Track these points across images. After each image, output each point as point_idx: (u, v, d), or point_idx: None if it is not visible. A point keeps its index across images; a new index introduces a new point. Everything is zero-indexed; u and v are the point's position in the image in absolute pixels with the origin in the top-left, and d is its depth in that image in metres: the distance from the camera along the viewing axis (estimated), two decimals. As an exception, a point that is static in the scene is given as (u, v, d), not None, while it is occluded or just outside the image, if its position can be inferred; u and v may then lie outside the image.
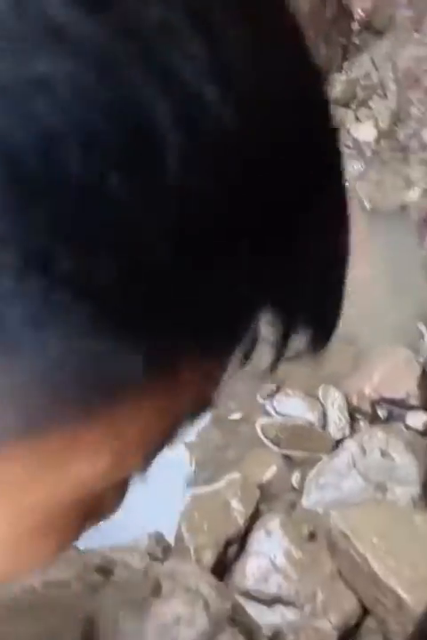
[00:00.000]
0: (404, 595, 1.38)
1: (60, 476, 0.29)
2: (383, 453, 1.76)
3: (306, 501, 1.73)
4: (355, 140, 2.59)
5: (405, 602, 1.38)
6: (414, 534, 1.52)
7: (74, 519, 0.32)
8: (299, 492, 1.76)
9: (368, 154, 2.56)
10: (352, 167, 2.50)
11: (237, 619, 1.12)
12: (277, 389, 1.92)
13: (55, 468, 0.29)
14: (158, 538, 1.54)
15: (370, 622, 1.50)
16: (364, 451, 1.77)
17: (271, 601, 1.48)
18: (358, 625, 1.50)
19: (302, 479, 1.76)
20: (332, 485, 1.73)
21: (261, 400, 1.91)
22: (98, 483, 0.31)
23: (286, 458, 1.81)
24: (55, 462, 0.29)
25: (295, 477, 1.77)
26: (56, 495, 0.30)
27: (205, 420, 1.91)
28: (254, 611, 1.42)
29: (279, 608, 1.47)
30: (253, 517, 1.64)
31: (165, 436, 0.31)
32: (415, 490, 1.71)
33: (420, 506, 1.68)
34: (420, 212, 1.99)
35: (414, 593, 1.38)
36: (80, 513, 0.33)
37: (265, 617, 1.43)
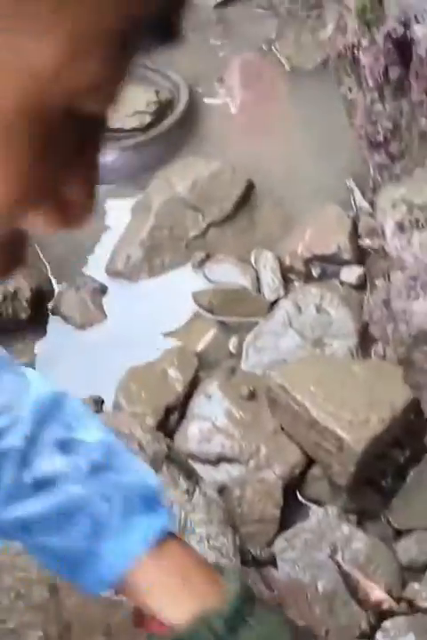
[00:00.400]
0: (344, 435, 1.38)
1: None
2: (319, 309, 1.75)
3: (245, 365, 1.71)
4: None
5: (345, 442, 1.38)
6: (353, 381, 1.52)
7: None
8: (237, 357, 1.74)
9: (283, 13, 2.49)
10: (268, 27, 2.42)
11: (174, 457, 1.11)
12: (208, 257, 1.88)
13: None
14: (96, 399, 1.52)
15: (315, 470, 1.51)
16: (299, 309, 1.75)
17: (216, 460, 1.47)
18: (303, 474, 1.50)
19: (240, 344, 1.74)
20: (269, 347, 1.71)
21: (192, 268, 1.87)
22: (47, 78, 0.28)
23: (222, 324, 1.79)
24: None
25: (233, 343, 1.75)
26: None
27: (135, 293, 1.86)
28: (199, 471, 1.41)
29: (224, 466, 1.46)
30: (193, 385, 1.62)
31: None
32: (352, 342, 1.70)
33: (358, 357, 1.68)
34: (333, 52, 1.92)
35: (354, 433, 1.39)
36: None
37: (211, 475, 1.43)
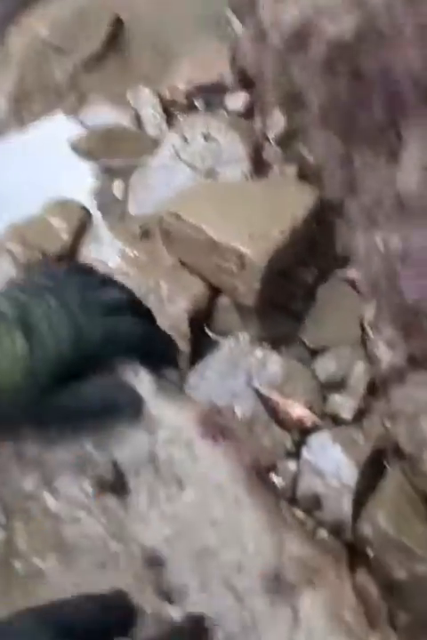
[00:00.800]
0: (245, 250, 1.28)
1: None
2: (207, 138, 1.62)
3: (133, 207, 1.58)
4: None
5: (247, 257, 1.28)
6: (249, 199, 1.42)
7: None
8: (124, 201, 1.60)
9: None
10: None
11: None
12: (81, 101, 1.72)
13: None
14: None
15: (222, 301, 1.41)
16: (185, 140, 1.62)
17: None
18: (209, 307, 1.41)
19: (126, 186, 1.61)
20: (159, 184, 1.58)
21: (64, 115, 1.70)
22: None
23: (106, 169, 1.64)
24: None
25: (117, 186, 1.61)
26: None
27: (6, 150, 1.69)
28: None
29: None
30: (79, 233, 1.49)
31: None
32: (246, 165, 1.59)
33: (252, 179, 1.58)
34: None
35: (255, 247, 1.29)
36: None
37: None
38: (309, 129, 1.51)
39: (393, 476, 1.24)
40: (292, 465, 1.26)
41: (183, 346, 1.33)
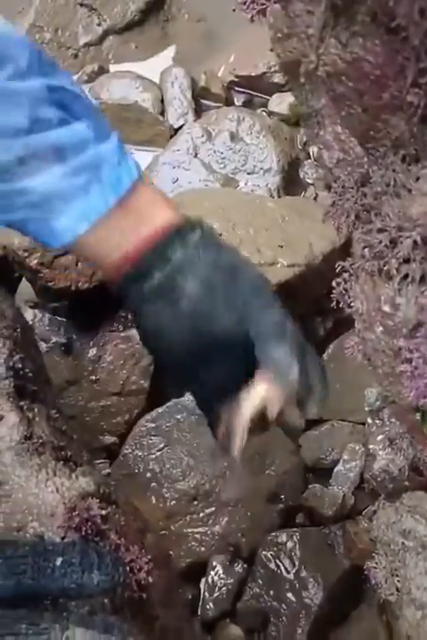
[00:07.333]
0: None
1: None
2: (234, 137, 1.34)
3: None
4: None
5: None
6: (265, 219, 1.13)
7: None
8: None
9: None
10: None
11: None
12: (101, 70, 1.47)
13: None
14: None
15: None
16: (210, 135, 1.35)
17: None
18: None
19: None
20: (166, 181, 1.32)
21: (79, 83, 1.45)
22: None
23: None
24: None
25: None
26: None
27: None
28: None
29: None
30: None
31: None
32: (275, 179, 1.31)
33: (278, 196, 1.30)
34: None
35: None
36: None
37: None
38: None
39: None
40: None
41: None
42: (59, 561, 0.58)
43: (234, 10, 0.70)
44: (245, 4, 0.68)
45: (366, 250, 0.64)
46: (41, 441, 0.68)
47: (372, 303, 0.64)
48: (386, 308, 0.62)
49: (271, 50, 0.84)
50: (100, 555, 0.59)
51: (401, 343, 0.60)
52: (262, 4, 0.65)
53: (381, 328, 0.64)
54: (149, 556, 0.63)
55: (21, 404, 0.70)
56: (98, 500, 0.64)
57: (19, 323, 0.78)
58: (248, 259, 0.77)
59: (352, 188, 0.68)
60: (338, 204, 0.68)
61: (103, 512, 0.63)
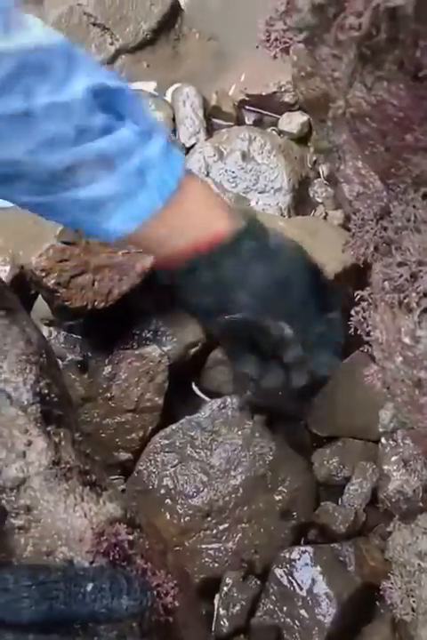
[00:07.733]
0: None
1: None
2: (245, 157, 1.36)
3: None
4: None
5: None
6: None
7: None
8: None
9: None
10: None
11: None
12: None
13: None
14: None
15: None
16: (221, 155, 1.37)
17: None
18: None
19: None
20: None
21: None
22: None
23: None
24: None
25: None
26: None
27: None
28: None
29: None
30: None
31: None
32: (285, 198, 1.33)
33: (288, 215, 1.32)
34: None
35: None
36: None
37: None
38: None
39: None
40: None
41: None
42: (90, 586, 0.60)
43: (258, 46, 0.72)
44: (268, 41, 0.70)
45: (386, 282, 0.66)
46: (68, 466, 0.70)
47: (391, 334, 0.66)
48: (406, 340, 0.64)
49: (294, 88, 0.87)
50: (128, 580, 0.61)
51: (422, 375, 0.62)
52: (286, 43, 0.67)
53: (401, 358, 0.66)
54: (175, 581, 0.64)
55: (48, 429, 0.72)
56: (125, 526, 0.66)
57: (43, 347, 0.80)
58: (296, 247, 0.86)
59: (371, 219, 0.70)
60: (358, 235, 0.70)
61: (130, 537, 0.65)
